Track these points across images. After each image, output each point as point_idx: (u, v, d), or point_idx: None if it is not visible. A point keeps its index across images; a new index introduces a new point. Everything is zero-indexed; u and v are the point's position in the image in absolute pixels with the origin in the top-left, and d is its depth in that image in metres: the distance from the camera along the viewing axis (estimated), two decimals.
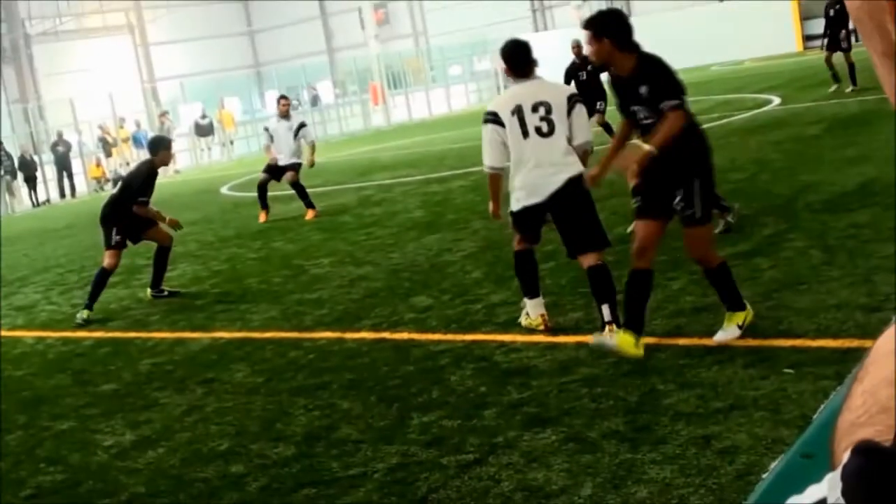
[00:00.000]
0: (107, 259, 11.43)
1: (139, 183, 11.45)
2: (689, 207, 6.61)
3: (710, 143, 6.87)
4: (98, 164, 38.28)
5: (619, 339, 6.66)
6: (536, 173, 7.42)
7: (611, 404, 5.95)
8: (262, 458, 6.08)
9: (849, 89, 22.04)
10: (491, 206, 8.10)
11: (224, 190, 25.71)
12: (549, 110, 7.41)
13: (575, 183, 7.39)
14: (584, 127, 7.61)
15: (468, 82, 54.94)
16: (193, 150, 41.13)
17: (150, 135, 39.37)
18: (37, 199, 36.07)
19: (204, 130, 40.59)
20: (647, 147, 6.61)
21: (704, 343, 6.80)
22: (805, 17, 49.84)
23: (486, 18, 58.58)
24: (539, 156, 7.40)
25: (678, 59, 29.27)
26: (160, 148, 11.71)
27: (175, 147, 38.47)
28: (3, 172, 35.20)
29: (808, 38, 49.82)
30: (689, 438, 5.28)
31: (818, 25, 46.84)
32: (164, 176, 36.96)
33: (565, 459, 5.28)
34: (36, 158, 36.81)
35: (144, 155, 39.42)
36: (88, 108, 39.67)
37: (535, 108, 7.41)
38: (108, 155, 38.98)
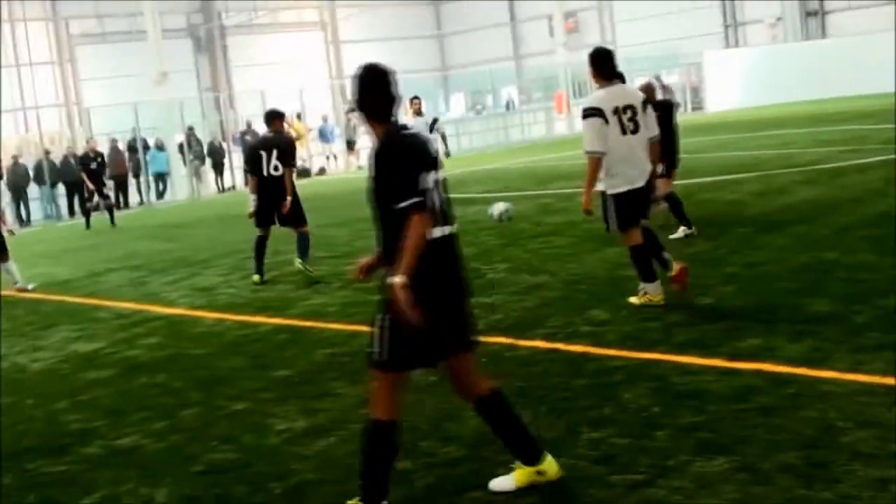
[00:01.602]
0: None
1: None
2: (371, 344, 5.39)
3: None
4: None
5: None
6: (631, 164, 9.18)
7: (786, 437, 5.83)
8: (430, 456, 6.16)
9: None
10: (585, 195, 9.43)
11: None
12: (634, 112, 9.14)
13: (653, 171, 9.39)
14: (654, 124, 9.39)
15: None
16: None
17: (336, 130, 40.33)
18: (223, 184, 37.17)
19: None
20: None
21: (886, 382, 6.60)
22: None
23: (676, 32, 57.94)
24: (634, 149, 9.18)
25: (876, 86, 28.34)
26: None
27: (359, 144, 39.56)
28: (192, 157, 36.37)
29: None
30: (866, 480, 5.15)
31: None
32: (347, 171, 37.76)
33: (736, 489, 5.21)
34: (224, 146, 37.89)
35: (330, 148, 40.42)
36: (278, 100, 40.61)
37: (624, 110, 9.11)
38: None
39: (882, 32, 50.95)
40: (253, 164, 13.60)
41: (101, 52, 50.14)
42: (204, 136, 37.92)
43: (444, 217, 5.29)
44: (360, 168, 38.41)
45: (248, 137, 37.13)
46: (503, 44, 68.08)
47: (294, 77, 48.79)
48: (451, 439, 6.40)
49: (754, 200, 16.01)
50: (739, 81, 52.24)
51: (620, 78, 9.44)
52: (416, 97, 20.53)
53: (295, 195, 13.54)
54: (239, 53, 56.15)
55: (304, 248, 13.62)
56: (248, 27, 56.44)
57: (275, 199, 13.45)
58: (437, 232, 5.21)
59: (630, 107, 9.13)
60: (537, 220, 16.49)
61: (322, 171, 38.83)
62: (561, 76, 47.69)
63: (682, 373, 7.30)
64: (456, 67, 65.44)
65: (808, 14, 56.09)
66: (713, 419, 6.24)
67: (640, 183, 9.25)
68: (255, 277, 13.65)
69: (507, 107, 50.48)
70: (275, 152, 13.39)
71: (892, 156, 20.20)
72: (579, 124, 31.33)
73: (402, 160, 5.15)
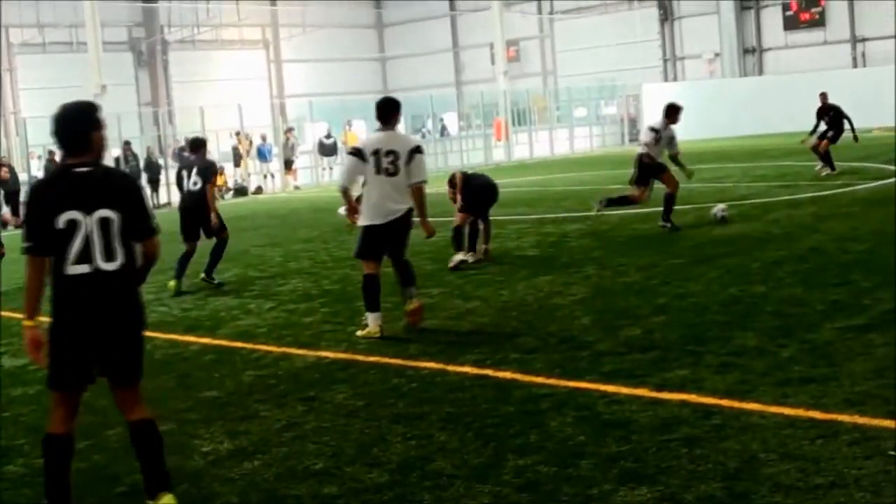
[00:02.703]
0: None
1: None
2: None
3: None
4: (221, 173, 38.87)
5: None
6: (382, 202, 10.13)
7: (709, 467, 5.88)
8: (356, 481, 6.13)
9: None
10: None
11: (341, 211, 25.91)
12: (396, 157, 10.10)
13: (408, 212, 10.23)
14: (420, 172, 10.22)
15: (593, 125, 54.84)
16: (315, 168, 41.69)
17: (275, 149, 40.16)
18: (158, 200, 36.83)
19: (327, 150, 41.11)
20: None
21: (809, 415, 6.68)
22: None
23: (616, 64, 58.55)
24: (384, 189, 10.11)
25: (807, 125, 28.98)
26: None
27: (297, 164, 39.44)
28: (127, 172, 35.97)
29: None
30: None
31: None
32: (284, 191, 37.63)
33: None
34: (161, 161, 37.57)
35: (268, 167, 40.13)
36: (217, 117, 40.45)
37: (387, 154, 10.09)
38: (237, 165, 39.65)
39: (817, 71, 51.82)
40: (178, 181, 15.20)
41: (41, 62, 49.67)
42: (141, 152, 37.57)
43: (87, 256, 5.49)
44: (297, 188, 38.35)
45: (185, 154, 36.87)
46: (445, 69, 68.42)
47: (235, 95, 48.57)
48: (377, 465, 6.37)
49: (688, 232, 16.17)
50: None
51: (392, 124, 10.41)
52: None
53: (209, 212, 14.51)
54: (180, 69, 55.83)
55: (216, 257, 14.61)
56: (191, 43, 56.21)
57: (195, 213, 14.52)
58: (75, 270, 5.48)
59: (393, 152, 10.09)
60: None
61: (259, 191, 38.63)
62: (501, 104, 47.92)
63: (608, 402, 7.34)
64: (398, 91, 65.53)
65: (746, 51, 56.95)
66: (638, 449, 6.28)
67: (385, 220, 10.14)
68: (171, 283, 14.15)
69: (442, 132, 50.59)
70: (194, 170, 14.58)
71: (823, 192, 20.51)
72: (518, 151, 31.84)
73: (32, 202, 5.55)
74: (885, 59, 51.08)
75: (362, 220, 10.33)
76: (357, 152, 10.32)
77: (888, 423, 6.42)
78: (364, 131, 46.00)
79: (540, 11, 64.62)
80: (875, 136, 36.60)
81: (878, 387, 7.19)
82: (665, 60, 60.38)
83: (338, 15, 61.52)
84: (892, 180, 22.27)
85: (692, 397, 7.27)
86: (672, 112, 17.07)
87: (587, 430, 6.73)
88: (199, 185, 14.46)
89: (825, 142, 25.45)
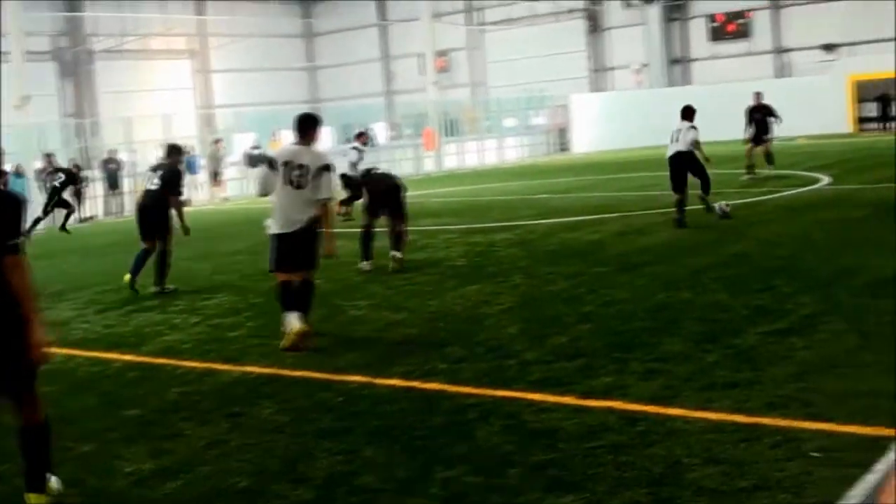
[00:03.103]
0: None
1: None
2: None
3: None
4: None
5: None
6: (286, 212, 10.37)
7: (634, 474, 5.90)
8: (280, 498, 6.06)
9: None
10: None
11: (269, 222, 25.74)
12: (306, 171, 10.28)
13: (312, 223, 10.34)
14: (328, 188, 10.43)
15: (522, 135, 55.10)
16: (244, 179, 41.28)
17: (201, 161, 39.81)
18: (81, 214, 36.27)
19: (254, 161, 40.60)
20: None
21: (733, 419, 6.74)
22: (861, 100, 49.73)
23: (545, 75, 58.94)
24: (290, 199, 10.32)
25: (734, 132, 30.15)
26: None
27: (226, 175, 39.10)
28: (51, 185, 35.43)
29: (862, 119, 49.73)
30: None
31: (874, 108, 47.02)
32: (212, 203, 37.33)
33: None
34: (86, 174, 37.04)
35: (194, 179, 39.60)
36: (144, 128, 40.05)
37: (298, 167, 10.28)
38: None
39: (743, 81, 52.45)
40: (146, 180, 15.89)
41: None
42: (65, 164, 36.96)
43: None
44: (225, 199, 38.01)
45: (111, 166, 36.42)
46: (375, 79, 68.46)
47: (162, 105, 48.19)
48: (303, 481, 6.30)
49: (614, 241, 16.29)
50: (605, 124, 53.29)
51: (307, 139, 10.61)
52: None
53: (165, 214, 14.90)
54: (106, 79, 55.24)
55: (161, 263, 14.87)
56: (118, 53, 55.60)
57: (152, 212, 14.90)
58: None
59: (303, 166, 10.29)
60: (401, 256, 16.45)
61: (187, 203, 38.23)
62: (431, 114, 47.97)
63: (536, 410, 7.34)
64: (327, 100, 65.43)
65: (673, 61, 57.58)
66: (564, 457, 6.29)
67: (289, 229, 10.34)
68: (126, 277, 14.81)
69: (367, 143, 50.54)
70: (159, 172, 15.02)
71: (748, 199, 20.75)
72: (448, 161, 31.88)
73: None
74: (808, 70, 51.95)
75: (271, 229, 10.61)
76: (269, 161, 10.62)
77: (809, 424, 6.50)
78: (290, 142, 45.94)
79: (470, 22, 64.87)
80: (799, 145, 37.17)
81: (799, 389, 7.29)
82: (593, 71, 60.89)
83: (266, 24, 61.33)
84: (814, 187, 22.62)
85: (618, 404, 7.30)
86: (690, 112, 19.10)
87: (514, 439, 6.73)
88: (157, 186, 14.83)
89: (765, 146, 26.40)
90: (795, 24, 53.74)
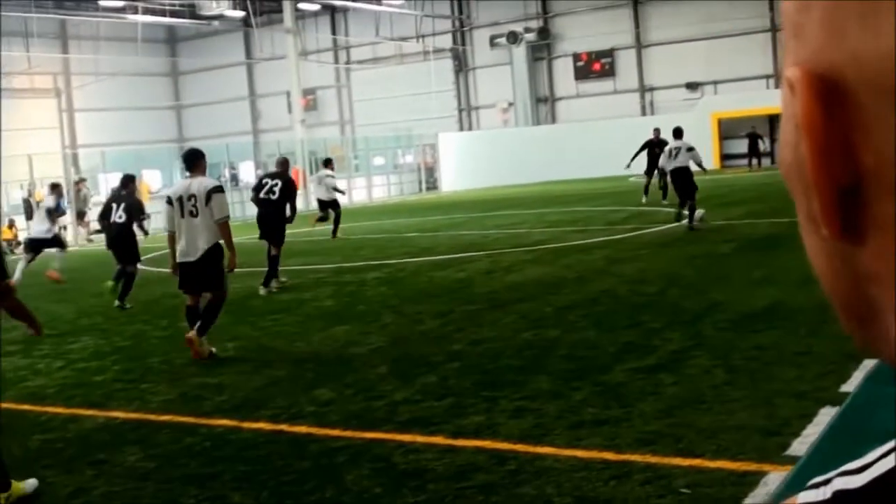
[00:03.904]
0: None
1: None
2: None
3: None
4: (11, 226, 37.56)
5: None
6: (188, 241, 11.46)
7: None
8: None
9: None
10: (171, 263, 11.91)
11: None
12: (196, 200, 11.36)
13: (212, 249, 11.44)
14: (220, 210, 11.43)
15: (391, 174, 55.21)
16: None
17: (65, 203, 38.90)
18: None
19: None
20: None
21: (603, 456, 6.78)
22: (725, 137, 51.07)
23: (412, 114, 59.33)
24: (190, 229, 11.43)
25: (600, 169, 31.03)
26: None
27: (90, 215, 38.23)
28: None
29: (725, 156, 51.05)
30: None
31: (738, 145, 48.33)
32: (77, 244, 36.55)
33: None
34: None
35: (61, 220, 38.57)
36: (7, 168, 39.04)
37: (189, 198, 11.40)
38: (29, 218, 38.23)
39: (608, 119, 53.59)
40: (103, 214, 17.87)
41: None
42: None
43: None
44: (89, 240, 37.17)
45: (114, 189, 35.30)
46: (242, 118, 68.08)
47: (25, 145, 47.07)
48: None
49: (482, 279, 16.35)
50: (473, 163, 53.74)
51: (195, 171, 11.90)
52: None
53: (132, 240, 17.00)
54: None
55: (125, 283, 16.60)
56: None
57: (120, 243, 16.88)
58: None
59: (193, 196, 11.41)
60: (268, 297, 16.31)
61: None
62: (298, 152, 47.76)
63: (405, 451, 7.29)
64: (194, 139, 64.71)
65: (539, 100, 58.37)
66: (434, 498, 6.24)
67: (192, 258, 11.45)
68: (109, 283, 16.91)
69: (234, 181, 49.97)
70: (122, 205, 16.97)
71: (614, 236, 21.06)
72: (315, 200, 31.43)
73: None
74: (673, 108, 53.20)
75: (178, 258, 11.65)
76: (168, 200, 11.77)
77: (679, 460, 6.56)
78: (159, 181, 45.24)
79: (336, 61, 64.94)
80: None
81: (668, 426, 7.36)
82: (460, 110, 61.43)
83: (131, 63, 60.41)
84: (681, 223, 23.04)
85: (487, 443, 7.29)
86: (681, 132, 22.93)
87: (384, 481, 6.66)
88: (123, 219, 16.78)
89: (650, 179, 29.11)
90: (659, 63, 54.99)
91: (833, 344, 9.50)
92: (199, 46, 68.15)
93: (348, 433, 7.94)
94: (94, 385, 10.74)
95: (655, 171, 28.15)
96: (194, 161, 11.90)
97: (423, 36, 59.72)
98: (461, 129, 60.56)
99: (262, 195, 17.18)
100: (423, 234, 26.50)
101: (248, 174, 52.54)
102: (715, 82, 53.29)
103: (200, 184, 11.57)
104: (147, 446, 8.08)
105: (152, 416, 9.08)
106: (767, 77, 52.13)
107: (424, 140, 57.23)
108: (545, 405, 8.24)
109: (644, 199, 29.46)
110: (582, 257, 18.13)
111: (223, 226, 11.53)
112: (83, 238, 37.67)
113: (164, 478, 7.21)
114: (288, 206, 17.12)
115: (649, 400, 8.15)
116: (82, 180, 39.67)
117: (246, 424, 8.48)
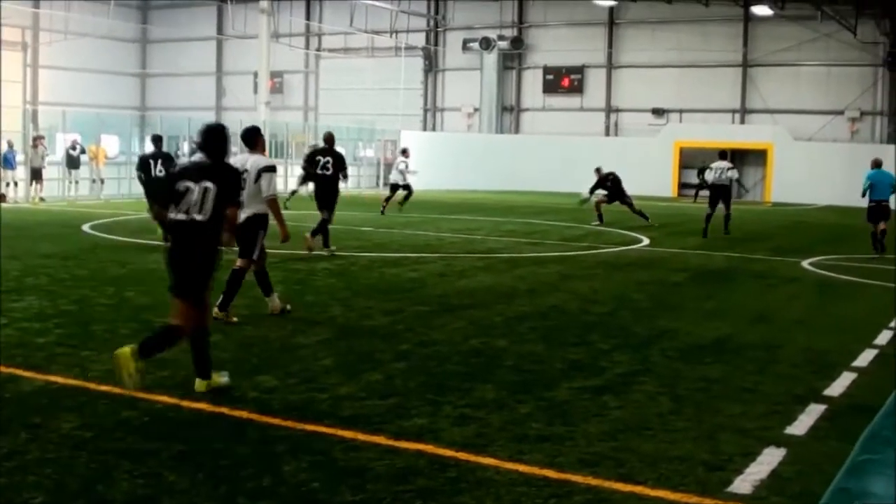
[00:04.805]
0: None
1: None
2: None
3: None
4: None
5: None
6: None
7: None
8: None
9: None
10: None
11: (86, 228, 25.06)
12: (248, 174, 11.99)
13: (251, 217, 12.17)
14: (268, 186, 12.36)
15: (349, 166, 54.92)
16: (63, 180, 39.95)
17: (20, 156, 38.38)
18: None
19: (74, 162, 39.28)
20: None
21: (544, 473, 6.74)
22: (684, 166, 51.43)
23: (378, 108, 59.28)
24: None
25: (560, 184, 31.26)
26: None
27: (46, 175, 37.74)
28: None
29: (682, 185, 51.41)
30: None
31: (693, 175, 48.65)
32: (29, 202, 36.07)
33: None
34: None
35: (12, 175, 38.05)
36: None
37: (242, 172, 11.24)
38: None
39: (571, 135, 53.78)
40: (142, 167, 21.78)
41: None
42: None
43: None
44: (41, 199, 36.69)
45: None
46: (207, 93, 67.66)
47: None
48: (101, 503, 6.05)
49: (434, 281, 16.31)
50: (433, 163, 53.68)
51: (253, 147, 12.62)
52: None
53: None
54: None
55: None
56: None
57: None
58: None
59: (246, 171, 11.96)
60: (220, 278, 16.12)
61: (2, 198, 36.78)
62: None
63: (346, 448, 7.22)
64: (155, 109, 64.20)
65: (505, 109, 58.46)
66: (372, 499, 6.18)
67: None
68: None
69: (192, 154, 49.73)
70: (160, 161, 21.26)
71: (568, 252, 21.09)
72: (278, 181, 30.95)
73: None
74: (637, 131, 53.57)
75: None
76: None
77: (620, 485, 6.54)
78: (117, 146, 44.75)
79: (308, 46, 64.69)
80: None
81: (611, 448, 7.34)
82: (426, 110, 61.39)
83: (102, 25, 59.76)
84: (633, 246, 23.13)
85: (429, 448, 7.23)
86: (726, 154, 29.32)
87: (322, 476, 6.59)
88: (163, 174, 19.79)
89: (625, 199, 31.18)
90: (628, 86, 55.22)
91: (780, 384, 9.57)
92: (171, 16, 67.69)
93: (289, 423, 7.85)
94: (36, 347, 10.56)
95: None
96: (254, 138, 12.62)
97: (396, 31, 59.62)
98: (424, 128, 60.52)
99: (318, 171, 19.70)
100: (378, 230, 26.44)
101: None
102: (681, 111, 53.61)
103: (256, 162, 12.35)
104: (84, 415, 7.95)
105: (92, 385, 8.94)
106: (734, 111, 52.53)
107: (386, 136, 57.12)
108: (489, 415, 8.20)
109: (596, 223, 29.89)
110: (535, 270, 18.14)
111: (272, 202, 12.40)
112: (37, 197, 37.01)
113: (99, 449, 7.09)
114: (341, 175, 19.88)
115: (593, 421, 8.13)
116: (40, 137, 39.06)
117: (186, 403, 8.38)
